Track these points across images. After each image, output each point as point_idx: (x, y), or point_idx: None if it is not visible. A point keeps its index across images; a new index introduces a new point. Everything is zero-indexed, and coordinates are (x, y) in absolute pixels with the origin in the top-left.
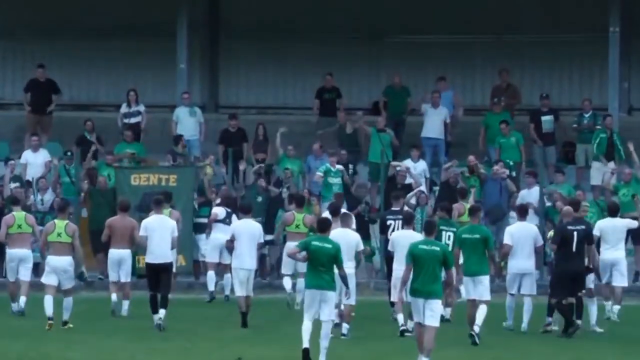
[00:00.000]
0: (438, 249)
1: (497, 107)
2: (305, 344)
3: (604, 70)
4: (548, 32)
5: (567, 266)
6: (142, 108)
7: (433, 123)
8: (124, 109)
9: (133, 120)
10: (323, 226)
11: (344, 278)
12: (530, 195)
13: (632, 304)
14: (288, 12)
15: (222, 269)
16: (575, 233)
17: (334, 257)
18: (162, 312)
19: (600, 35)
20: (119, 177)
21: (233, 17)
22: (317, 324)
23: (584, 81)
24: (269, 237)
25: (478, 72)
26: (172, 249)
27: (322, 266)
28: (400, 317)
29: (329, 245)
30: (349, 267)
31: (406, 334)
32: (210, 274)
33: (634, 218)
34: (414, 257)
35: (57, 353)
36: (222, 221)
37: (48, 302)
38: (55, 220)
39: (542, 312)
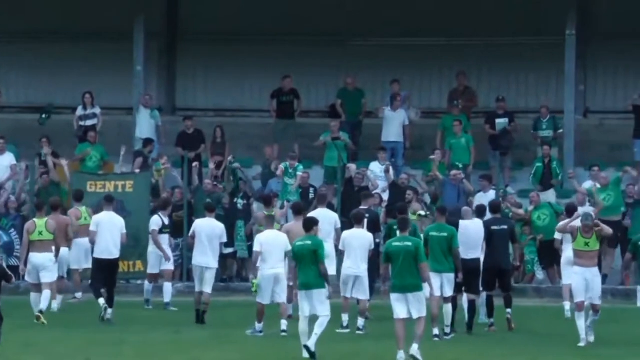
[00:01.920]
0: (410, 244)
1: (455, 109)
2: (304, 341)
3: (560, 73)
4: (505, 35)
5: (492, 262)
6: (98, 110)
7: (392, 126)
8: (79, 111)
9: (89, 122)
10: (307, 225)
11: (325, 275)
12: (485, 198)
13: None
14: (245, 15)
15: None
16: (499, 233)
17: (314, 252)
18: (109, 311)
19: (556, 38)
20: (75, 183)
21: (190, 20)
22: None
23: (540, 84)
24: (229, 250)
25: (434, 75)
26: (121, 245)
27: (306, 264)
28: (345, 317)
29: (309, 242)
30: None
31: (357, 332)
32: (147, 286)
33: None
34: (389, 254)
35: (14, 356)
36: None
37: (34, 300)
38: (35, 219)
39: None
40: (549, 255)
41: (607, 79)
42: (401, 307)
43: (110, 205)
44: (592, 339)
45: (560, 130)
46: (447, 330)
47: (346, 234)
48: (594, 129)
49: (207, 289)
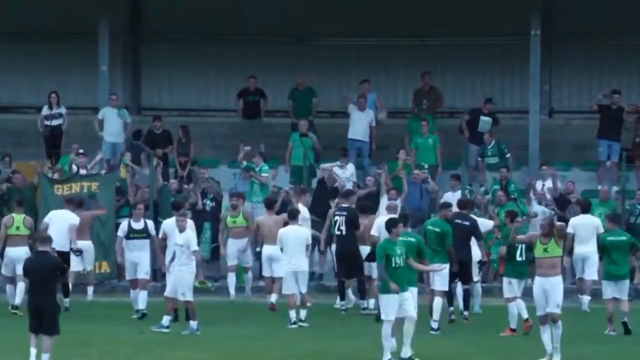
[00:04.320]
0: (414, 239)
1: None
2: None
3: (525, 73)
4: (470, 35)
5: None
6: (63, 110)
7: (359, 125)
8: (45, 111)
9: (54, 122)
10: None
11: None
12: (454, 197)
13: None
14: (210, 15)
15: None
16: (460, 227)
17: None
18: (66, 300)
19: (521, 38)
20: (44, 185)
21: (155, 20)
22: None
23: (505, 84)
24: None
25: (400, 75)
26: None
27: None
28: (292, 313)
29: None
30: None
31: (300, 324)
32: (133, 293)
33: None
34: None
35: None
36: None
37: (10, 292)
38: (14, 214)
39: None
40: None
41: (571, 79)
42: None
43: (70, 206)
44: (557, 359)
45: (508, 155)
46: (435, 325)
47: (282, 231)
48: (558, 129)
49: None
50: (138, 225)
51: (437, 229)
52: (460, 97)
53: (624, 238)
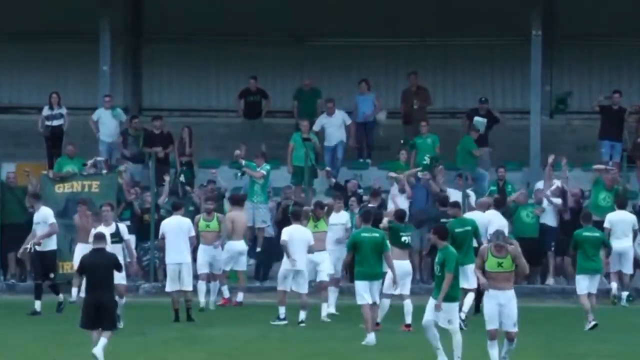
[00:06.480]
0: (377, 235)
1: (473, 133)
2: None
3: (526, 73)
4: (470, 36)
5: None
6: (64, 110)
7: (331, 131)
8: (46, 111)
9: (55, 122)
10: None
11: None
12: (459, 195)
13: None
14: (210, 15)
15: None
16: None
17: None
18: (61, 297)
19: (522, 38)
20: (44, 184)
21: (155, 20)
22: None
23: (506, 84)
24: None
25: (401, 75)
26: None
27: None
28: (282, 310)
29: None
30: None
31: (278, 322)
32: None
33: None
34: (356, 244)
35: None
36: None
37: None
38: None
39: None
40: (529, 255)
41: (572, 80)
42: (367, 293)
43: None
44: None
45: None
46: (462, 315)
47: (287, 229)
48: (560, 130)
49: (188, 286)
50: (108, 230)
51: (468, 227)
52: (460, 97)
53: (597, 234)
